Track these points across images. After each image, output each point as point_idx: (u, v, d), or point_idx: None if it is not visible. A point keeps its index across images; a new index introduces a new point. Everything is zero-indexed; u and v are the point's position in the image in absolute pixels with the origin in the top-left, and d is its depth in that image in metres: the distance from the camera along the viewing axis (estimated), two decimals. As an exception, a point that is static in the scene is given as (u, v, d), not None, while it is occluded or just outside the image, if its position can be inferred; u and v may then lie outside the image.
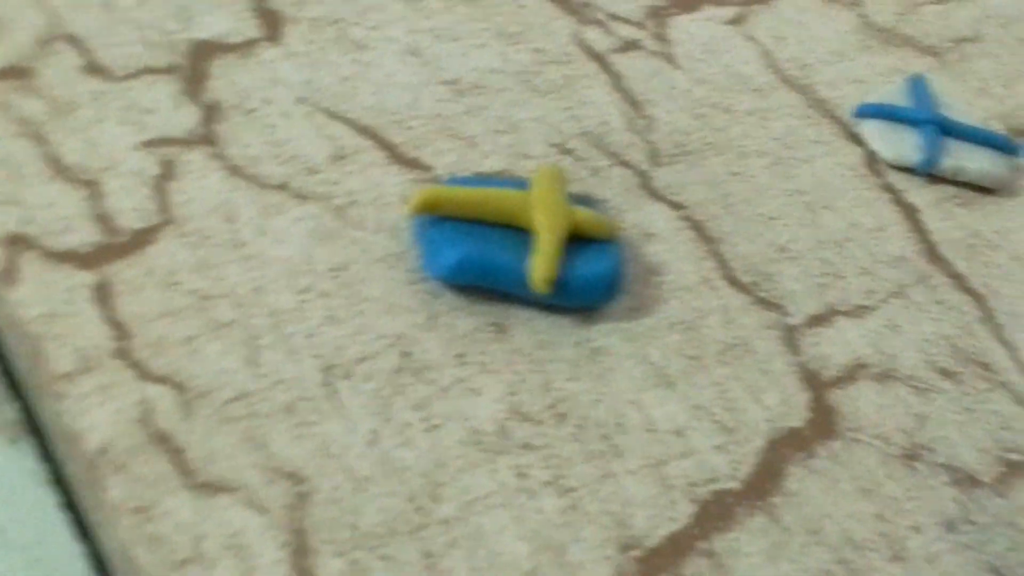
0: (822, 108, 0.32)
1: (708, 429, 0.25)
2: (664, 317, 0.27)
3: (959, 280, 0.29)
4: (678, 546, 0.23)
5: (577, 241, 0.26)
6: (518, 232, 0.26)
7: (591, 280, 0.26)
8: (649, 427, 0.25)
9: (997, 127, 0.33)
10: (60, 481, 0.22)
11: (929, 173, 0.32)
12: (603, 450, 0.24)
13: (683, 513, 0.24)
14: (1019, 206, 0.32)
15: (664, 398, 0.25)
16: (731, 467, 0.25)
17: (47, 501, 0.21)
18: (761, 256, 0.28)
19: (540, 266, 0.25)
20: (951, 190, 0.32)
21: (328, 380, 0.24)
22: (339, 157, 0.27)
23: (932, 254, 0.30)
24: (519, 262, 0.25)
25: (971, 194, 0.32)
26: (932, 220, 0.31)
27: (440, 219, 0.26)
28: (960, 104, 0.33)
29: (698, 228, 0.28)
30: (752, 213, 0.29)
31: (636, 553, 0.23)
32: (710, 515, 0.24)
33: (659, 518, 0.24)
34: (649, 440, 0.25)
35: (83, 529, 0.21)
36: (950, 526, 0.24)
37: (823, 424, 0.25)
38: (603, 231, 0.26)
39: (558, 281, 0.25)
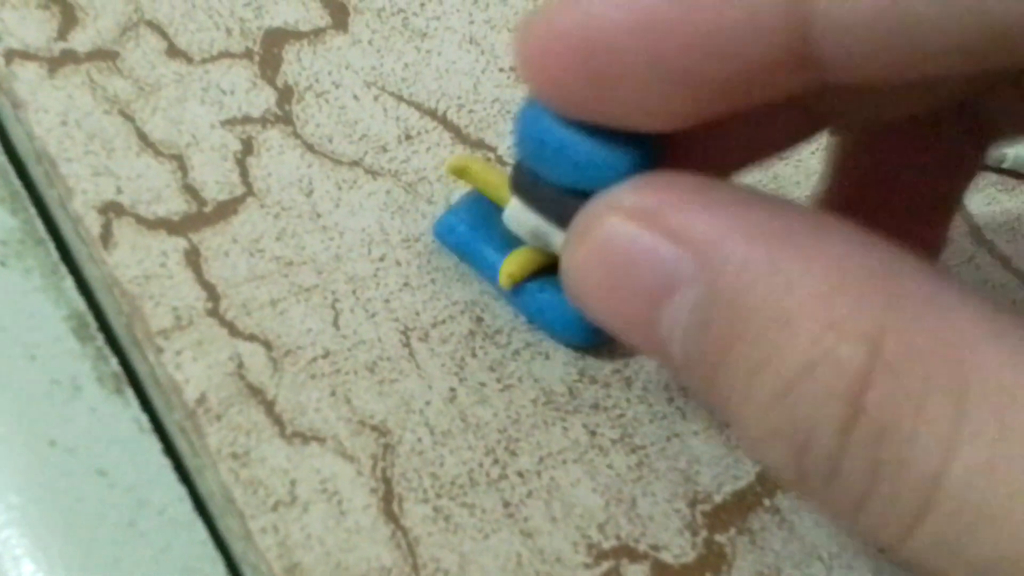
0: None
1: (768, 394, 0.26)
2: (721, 291, 0.27)
3: (1005, 261, 0.30)
4: (744, 502, 0.24)
5: None
6: None
7: None
8: (711, 392, 0.26)
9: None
10: (158, 429, 0.23)
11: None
12: (668, 412, 0.25)
13: (747, 472, 0.25)
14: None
15: (724, 365, 0.26)
16: (791, 430, 0.25)
17: (151, 447, 0.22)
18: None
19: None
20: (992, 177, 0.32)
21: (406, 342, 0.25)
22: (407, 137, 0.28)
23: (977, 236, 0.31)
24: None
25: (1012, 181, 0.32)
26: (976, 205, 0.31)
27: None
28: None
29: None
30: (801, 196, 0.30)
31: (704, 508, 0.24)
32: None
33: (724, 476, 0.24)
34: (712, 403, 0.25)
35: (182, 473, 0.22)
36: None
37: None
38: None
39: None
